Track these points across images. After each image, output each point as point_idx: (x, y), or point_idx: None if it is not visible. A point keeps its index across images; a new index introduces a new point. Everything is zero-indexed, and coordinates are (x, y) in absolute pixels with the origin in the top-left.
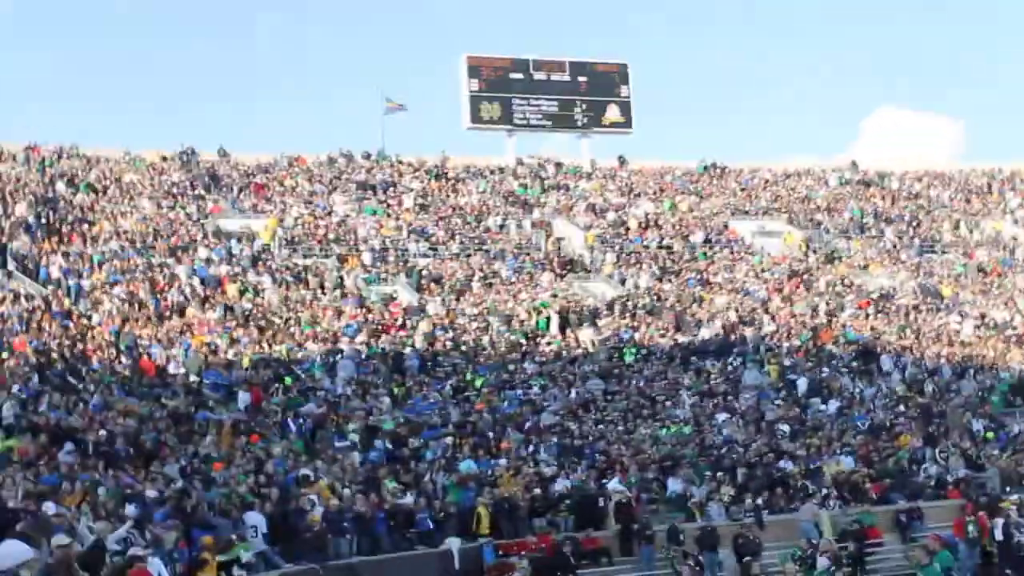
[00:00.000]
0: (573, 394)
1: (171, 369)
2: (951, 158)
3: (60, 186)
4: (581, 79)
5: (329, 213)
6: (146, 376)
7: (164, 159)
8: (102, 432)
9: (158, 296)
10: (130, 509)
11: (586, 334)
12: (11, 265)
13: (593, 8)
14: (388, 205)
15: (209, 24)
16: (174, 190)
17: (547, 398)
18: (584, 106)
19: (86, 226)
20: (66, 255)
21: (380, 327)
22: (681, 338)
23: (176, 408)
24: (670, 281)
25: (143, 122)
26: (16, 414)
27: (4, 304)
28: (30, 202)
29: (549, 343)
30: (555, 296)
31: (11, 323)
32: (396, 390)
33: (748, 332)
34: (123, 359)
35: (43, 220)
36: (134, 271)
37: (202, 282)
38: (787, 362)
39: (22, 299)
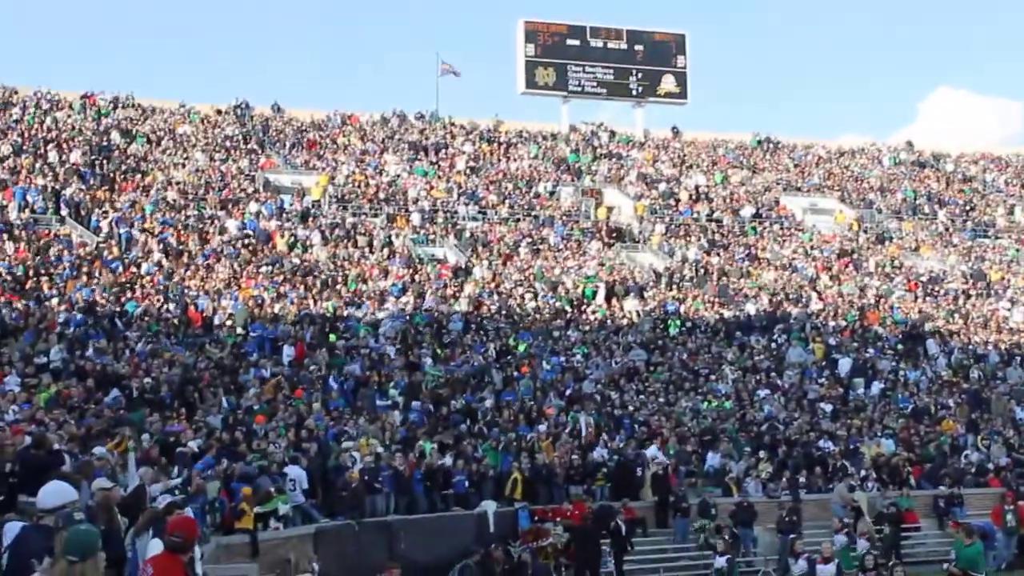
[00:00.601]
0: (616, 363)
1: (217, 320)
2: (1008, 141)
3: (115, 135)
4: (638, 48)
5: (380, 172)
6: (192, 326)
7: (218, 112)
8: (147, 379)
9: (208, 246)
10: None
11: (632, 304)
12: (64, 211)
13: None
14: (439, 167)
15: None
16: (227, 143)
17: (590, 366)
18: (640, 75)
19: (139, 176)
20: (117, 204)
21: (428, 287)
22: (726, 312)
23: (221, 359)
24: (718, 255)
25: (199, 74)
26: (64, 359)
27: (55, 249)
28: (84, 150)
29: (594, 312)
30: (603, 265)
31: (62, 268)
32: (439, 351)
33: (794, 309)
34: (171, 308)
35: (97, 169)
36: (185, 222)
37: (252, 235)
38: (832, 341)
39: (74, 245)
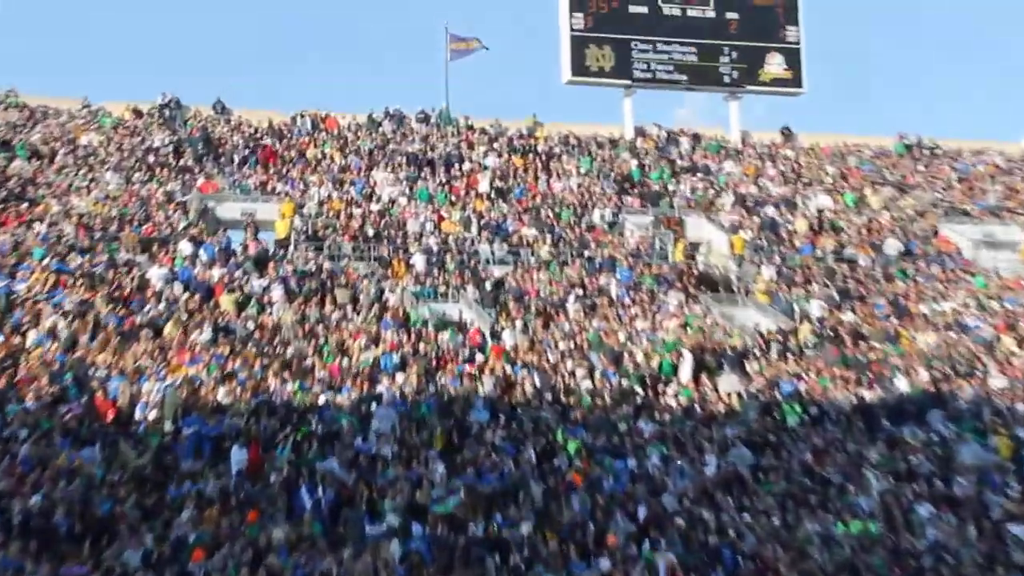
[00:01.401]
0: (709, 469)
1: (137, 413)
2: None
3: None
4: (730, 16)
5: (368, 197)
6: (101, 421)
7: (138, 114)
8: (35, 498)
9: (122, 308)
10: None
11: (729, 383)
12: None
13: None
14: (451, 189)
15: None
16: (150, 158)
17: (670, 472)
18: (734, 54)
19: (24, 206)
20: None
21: (435, 361)
22: (867, 393)
23: (142, 468)
24: (852, 310)
25: (110, 61)
26: None
27: None
28: None
29: (676, 394)
30: (686, 327)
31: None
32: (455, 453)
33: (965, 388)
34: (70, 395)
35: None
36: (90, 271)
37: (185, 289)
38: (1022, 434)
39: None
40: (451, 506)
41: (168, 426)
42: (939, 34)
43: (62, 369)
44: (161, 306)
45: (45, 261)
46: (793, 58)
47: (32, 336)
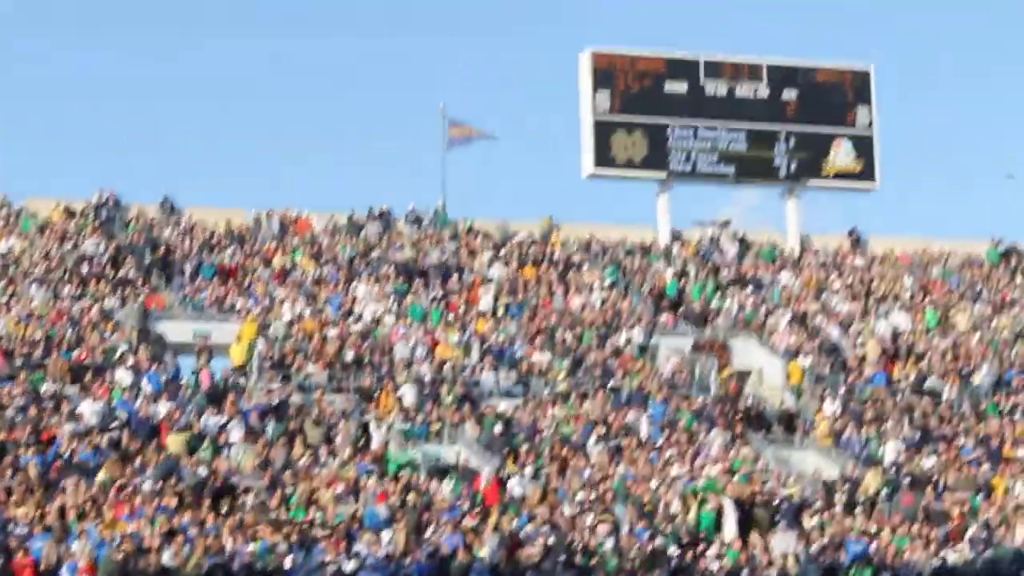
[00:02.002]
0: None
1: None
2: None
3: None
4: (788, 94)
5: (347, 316)
6: None
7: (69, 215)
8: None
9: (47, 449)
10: None
11: (784, 542)
12: None
13: None
14: (448, 305)
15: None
16: (83, 268)
17: None
18: (793, 141)
19: None
20: None
21: (427, 515)
22: (952, 556)
23: None
24: (935, 453)
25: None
26: None
27: None
28: None
29: (720, 556)
30: (732, 473)
31: None
32: None
33: None
34: None
35: None
36: (10, 403)
37: (125, 428)
38: None
39: None
40: None
41: None
42: None
43: None
44: (95, 448)
45: None
46: (865, 146)
47: None
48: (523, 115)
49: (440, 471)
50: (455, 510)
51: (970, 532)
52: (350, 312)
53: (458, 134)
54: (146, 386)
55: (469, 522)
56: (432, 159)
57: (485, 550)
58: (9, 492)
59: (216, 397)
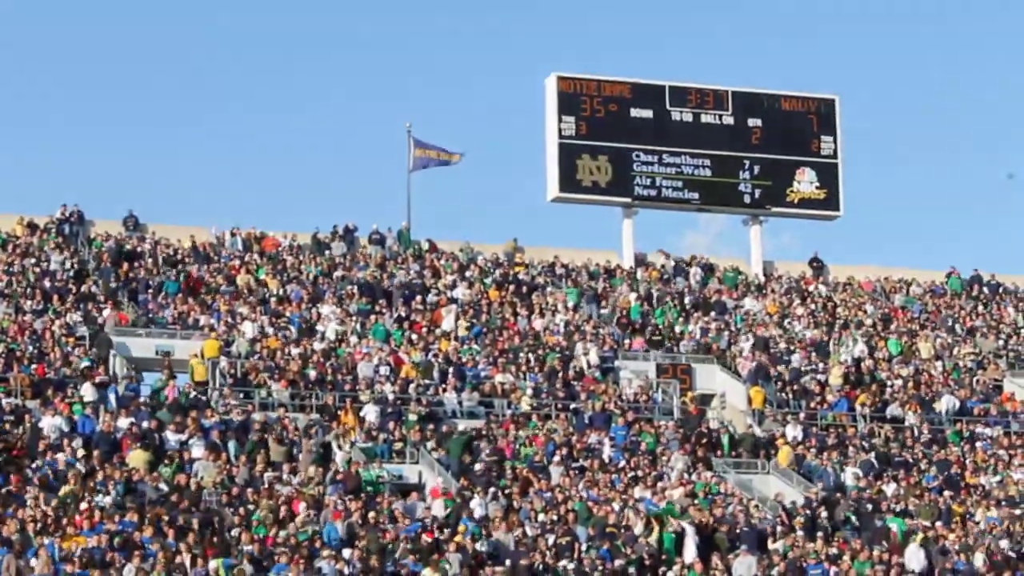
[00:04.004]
0: None
1: None
2: None
3: None
4: (753, 123)
5: (310, 334)
6: None
7: (31, 229)
8: None
9: (7, 464)
10: None
11: (745, 566)
12: None
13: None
14: (412, 325)
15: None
16: (45, 283)
17: None
18: (757, 168)
19: None
20: None
21: (389, 535)
22: None
23: None
24: (894, 479)
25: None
26: None
27: None
28: None
29: None
30: (694, 496)
31: None
32: None
33: None
34: None
35: None
36: None
37: (86, 443)
38: None
39: None
40: None
41: None
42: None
43: None
44: (55, 463)
45: None
46: (828, 175)
47: None
48: (489, 140)
49: (401, 490)
50: (414, 528)
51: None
52: (313, 331)
53: (422, 155)
54: (109, 400)
55: (428, 539)
56: (397, 180)
57: (448, 570)
58: None
59: (180, 412)
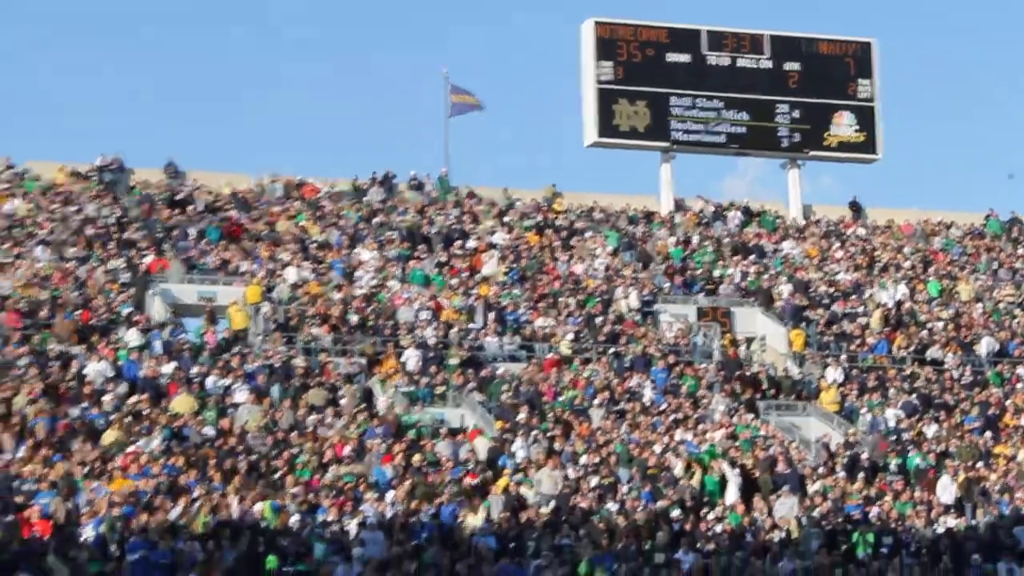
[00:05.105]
0: None
1: (73, 534)
2: None
3: None
4: (791, 67)
5: (351, 279)
6: (28, 545)
7: (74, 177)
8: None
9: (54, 409)
10: None
11: (787, 506)
12: None
13: None
14: (452, 270)
15: None
16: (89, 230)
17: None
18: (795, 113)
19: None
20: None
21: (432, 477)
22: (952, 521)
23: None
24: (936, 420)
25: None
26: None
27: None
28: None
29: (722, 519)
30: (735, 438)
31: None
32: None
33: None
34: None
35: None
36: (14, 364)
37: (131, 387)
38: None
39: None
40: None
41: (112, 550)
42: None
43: None
44: (101, 407)
45: None
46: (866, 118)
47: None
48: (526, 85)
49: (443, 433)
50: (457, 471)
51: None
52: (352, 276)
53: (460, 100)
54: (154, 346)
55: (470, 481)
56: (434, 126)
57: (490, 511)
58: (17, 450)
59: (220, 359)
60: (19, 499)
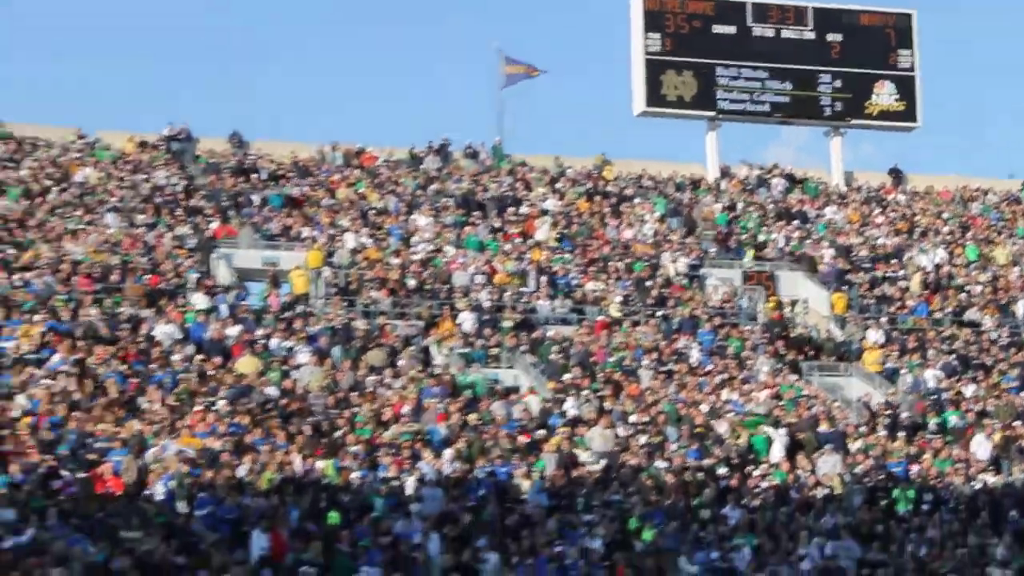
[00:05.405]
0: (806, 564)
1: (144, 490)
2: None
3: None
4: (832, 38)
5: (408, 245)
6: (102, 500)
7: (142, 147)
8: None
9: (125, 370)
10: None
11: (830, 464)
12: None
13: None
14: (506, 235)
15: None
16: (157, 198)
17: (761, 567)
18: (837, 83)
19: (11, 251)
20: None
21: (487, 435)
22: (991, 478)
23: (148, 555)
24: (974, 380)
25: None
26: None
27: None
28: None
29: (767, 476)
30: (779, 398)
31: None
32: (510, 542)
33: None
34: (65, 471)
35: None
36: (87, 326)
37: (198, 349)
38: None
39: None
40: None
41: (180, 507)
42: None
43: (56, 440)
44: (170, 368)
45: (36, 316)
46: (906, 87)
47: (21, 402)
48: (576, 56)
49: (498, 393)
50: (511, 428)
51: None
52: (410, 241)
53: (513, 71)
54: (221, 309)
55: (525, 441)
56: (487, 97)
57: (543, 469)
58: (90, 409)
59: (283, 321)
60: (92, 456)
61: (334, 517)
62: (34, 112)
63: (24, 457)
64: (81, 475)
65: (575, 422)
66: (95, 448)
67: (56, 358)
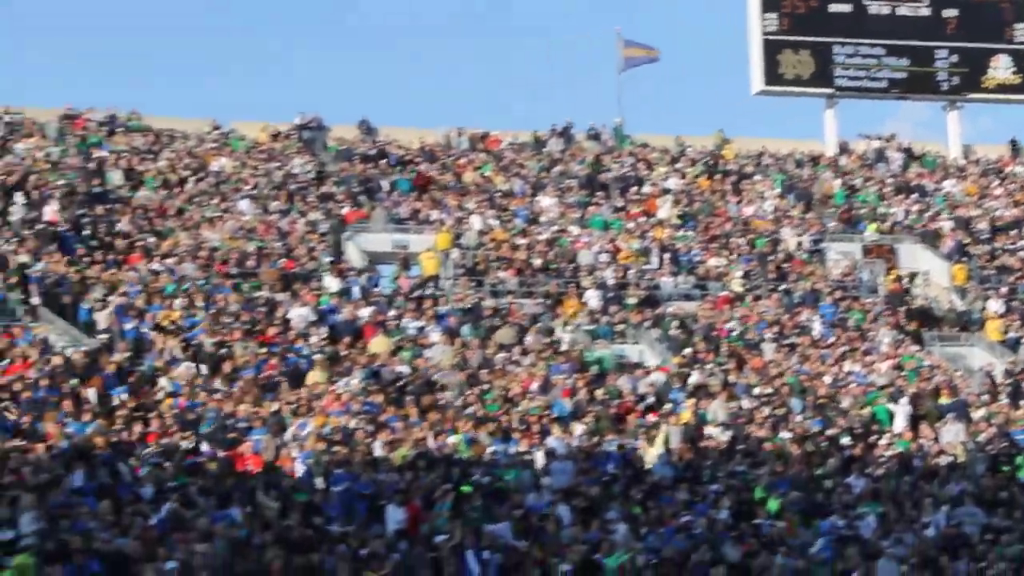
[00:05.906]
0: (931, 530)
1: (283, 468)
2: None
3: (112, 176)
4: (948, 13)
5: (534, 225)
6: (242, 478)
7: (275, 137)
8: (170, 564)
9: (262, 351)
10: None
11: (953, 432)
12: (36, 299)
13: None
14: (629, 214)
15: None
16: (290, 185)
17: (887, 536)
18: (954, 58)
19: (152, 239)
20: (119, 287)
21: (614, 409)
22: None
23: (288, 529)
24: None
25: (241, 76)
26: (40, 531)
27: (21, 359)
28: (65, 203)
29: (891, 445)
30: (901, 368)
31: (39, 390)
32: (640, 512)
33: None
34: (205, 449)
35: (85, 230)
36: (226, 311)
37: (332, 330)
38: None
39: (51, 352)
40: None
41: (318, 483)
42: None
43: (197, 419)
44: (305, 349)
45: (176, 301)
46: (1023, 61)
47: (163, 383)
48: (694, 37)
49: (624, 368)
50: (641, 403)
51: None
52: (536, 223)
53: (632, 54)
54: (353, 291)
55: (653, 416)
56: (607, 80)
57: (670, 440)
58: (229, 391)
59: (416, 300)
60: (232, 435)
61: (467, 489)
62: (171, 105)
63: (169, 435)
64: (222, 454)
65: (700, 395)
66: (235, 427)
67: (196, 341)
